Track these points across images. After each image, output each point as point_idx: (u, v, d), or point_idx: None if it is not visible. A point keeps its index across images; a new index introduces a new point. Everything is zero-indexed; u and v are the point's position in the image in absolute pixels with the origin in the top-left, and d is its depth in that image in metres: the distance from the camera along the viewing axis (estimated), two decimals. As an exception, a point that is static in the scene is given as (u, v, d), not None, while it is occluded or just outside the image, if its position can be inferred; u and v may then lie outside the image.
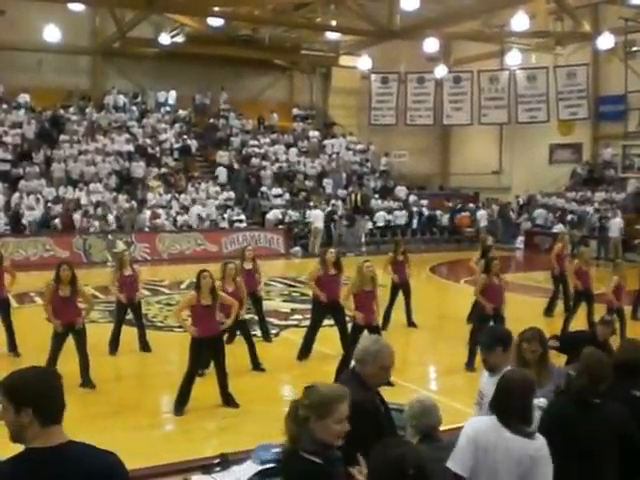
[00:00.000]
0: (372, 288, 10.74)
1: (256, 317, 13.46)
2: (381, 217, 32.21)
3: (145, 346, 12.66)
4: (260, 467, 5.36)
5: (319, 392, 3.80)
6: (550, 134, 34.73)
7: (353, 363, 4.97)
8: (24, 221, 26.04)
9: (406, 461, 3.25)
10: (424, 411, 4.87)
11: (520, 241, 31.93)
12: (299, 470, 3.66)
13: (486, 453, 4.01)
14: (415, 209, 33.11)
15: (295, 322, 15.01)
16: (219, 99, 35.33)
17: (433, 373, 12.20)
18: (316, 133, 36.54)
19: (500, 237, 32.42)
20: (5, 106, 30.43)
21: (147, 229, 27.34)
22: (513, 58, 33.76)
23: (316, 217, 29.37)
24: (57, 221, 26.48)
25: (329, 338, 12.25)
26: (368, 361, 4.70)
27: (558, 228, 30.31)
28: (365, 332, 9.97)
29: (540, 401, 5.22)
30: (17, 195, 26.67)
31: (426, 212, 33.31)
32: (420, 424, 4.81)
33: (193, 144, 32.74)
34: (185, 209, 28.91)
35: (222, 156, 32.43)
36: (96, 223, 26.76)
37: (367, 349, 4.77)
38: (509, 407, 4.06)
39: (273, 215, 29.69)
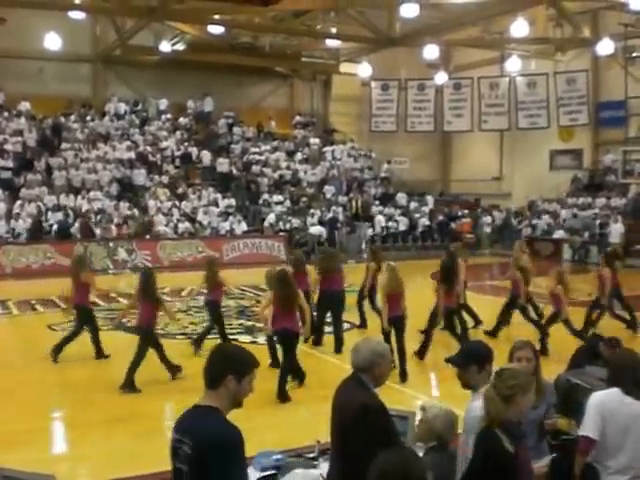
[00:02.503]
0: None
1: None
2: (421, 223, 32.75)
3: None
4: (260, 474, 5.36)
5: (521, 372, 4.47)
6: (550, 140, 34.75)
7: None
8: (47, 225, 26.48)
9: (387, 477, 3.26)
10: (451, 424, 4.92)
11: (521, 247, 31.86)
12: (491, 444, 4.10)
13: (612, 416, 4.89)
14: (417, 215, 33.16)
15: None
16: (204, 105, 35.39)
17: (433, 380, 12.17)
18: (317, 140, 36.58)
19: (501, 243, 32.58)
20: (6, 114, 30.51)
21: (148, 236, 27.36)
22: (513, 64, 33.81)
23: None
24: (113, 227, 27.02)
25: (328, 345, 12.29)
26: (381, 362, 4.70)
27: (559, 234, 30.37)
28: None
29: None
30: (18, 203, 26.69)
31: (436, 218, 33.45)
32: (441, 435, 4.84)
33: (194, 151, 32.77)
34: (186, 216, 28.94)
35: (222, 163, 32.46)
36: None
37: (376, 350, 4.76)
38: (627, 379, 4.95)
39: (268, 221, 29.81)
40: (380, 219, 32.23)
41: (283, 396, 9.96)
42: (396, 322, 11.52)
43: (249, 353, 3.91)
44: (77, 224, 26.76)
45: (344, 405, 4.52)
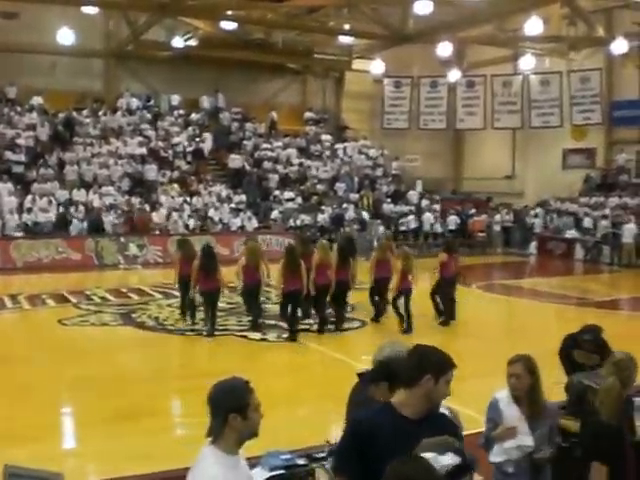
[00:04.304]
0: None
1: None
2: (452, 221, 32.88)
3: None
4: (269, 474, 5.31)
5: (630, 358, 5.14)
6: (563, 139, 34.61)
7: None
8: (72, 225, 26.57)
9: None
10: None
11: (533, 246, 31.77)
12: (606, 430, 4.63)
13: None
14: (429, 213, 33.03)
15: (306, 326, 14.85)
16: (217, 101, 35.34)
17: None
18: (328, 137, 36.51)
19: (514, 242, 32.59)
20: (19, 108, 30.51)
21: (158, 232, 27.36)
22: (526, 62, 33.64)
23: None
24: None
25: (336, 342, 12.24)
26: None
27: (571, 233, 30.26)
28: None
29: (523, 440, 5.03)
30: (30, 197, 26.73)
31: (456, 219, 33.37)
32: None
33: (205, 147, 32.75)
34: (197, 212, 28.96)
35: (234, 159, 32.43)
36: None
37: (396, 353, 4.72)
38: None
39: (272, 216, 30.12)
40: (429, 217, 32.35)
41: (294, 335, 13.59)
42: (322, 288, 14.12)
43: (446, 354, 3.87)
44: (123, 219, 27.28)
45: (360, 405, 4.44)
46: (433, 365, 3.74)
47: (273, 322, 14.74)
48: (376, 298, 15.42)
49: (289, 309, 13.96)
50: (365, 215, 31.30)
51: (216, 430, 3.63)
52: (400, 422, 3.70)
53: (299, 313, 14.36)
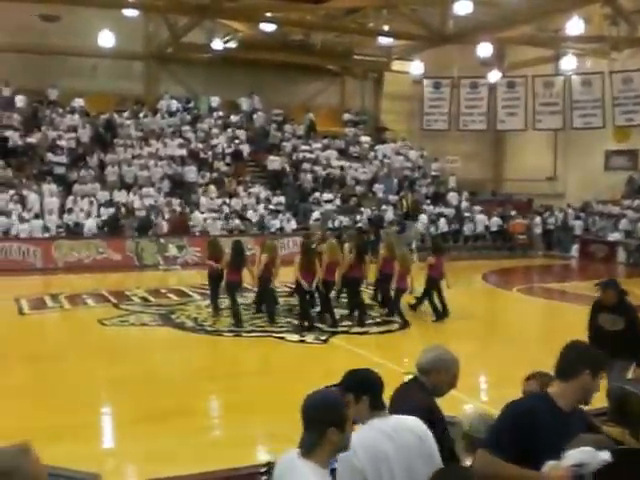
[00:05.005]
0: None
1: None
2: (495, 223, 32.77)
3: None
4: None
5: None
6: (605, 140, 34.14)
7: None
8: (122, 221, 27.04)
9: None
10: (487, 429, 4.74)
11: (575, 249, 31.35)
12: None
13: None
14: (467, 214, 32.78)
15: (345, 329, 14.84)
16: (254, 103, 35.43)
17: (484, 383, 11.97)
18: (367, 138, 36.42)
19: (556, 245, 32.20)
20: (60, 110, 30.86)
21: (198, 233, 27.46)
22: (568, 63, 33.22)
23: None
24: (164, 224, 27.35)
25: (375, 345, 12.15)
26: (441, 370, 4.66)
27: (613, 236, 29.84)
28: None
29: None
30: (71, 198, 27.01)
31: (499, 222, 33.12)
32: (479, 441, 4.66)
33: (245, 149, 32.83)
34: (236, 213, 29.03)
35: (273, 161, 32.47)
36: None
37: (441, 357, 4.72)
38: None
39: (312, 218, 29.92)
40: (482, 219, 32.37)
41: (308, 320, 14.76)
42: (328, 285, 15.29)
43: (601, 351, 4.14)
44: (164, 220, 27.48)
45: (404, 407, 4.36)
46: (593, 361, 3.96)
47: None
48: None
49: (305, 304, 15.11)
50: (423, 219, 31.33)
51: (311, 443, 3.52)
52: (556, 413, 3.90)
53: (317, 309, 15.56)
